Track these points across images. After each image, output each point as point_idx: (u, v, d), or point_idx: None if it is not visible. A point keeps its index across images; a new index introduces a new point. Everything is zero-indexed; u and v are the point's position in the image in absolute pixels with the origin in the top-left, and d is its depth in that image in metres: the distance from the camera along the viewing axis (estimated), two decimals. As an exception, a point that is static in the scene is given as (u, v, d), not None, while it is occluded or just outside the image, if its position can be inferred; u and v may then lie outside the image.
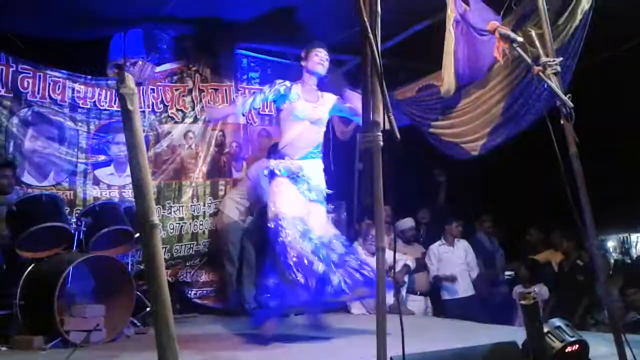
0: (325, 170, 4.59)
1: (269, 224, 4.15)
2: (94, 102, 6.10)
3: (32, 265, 4.53)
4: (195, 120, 6.68)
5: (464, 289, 6.52)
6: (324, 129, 4.58)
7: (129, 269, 4.90)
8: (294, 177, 4.31)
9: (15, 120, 5.73)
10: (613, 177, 6.36)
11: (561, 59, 3.42)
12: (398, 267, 6.07)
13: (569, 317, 3.26)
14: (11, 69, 5.70)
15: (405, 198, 6.03)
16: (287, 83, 4.53)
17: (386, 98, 2.18)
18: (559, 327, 2.79)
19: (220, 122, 6.81)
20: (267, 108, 7.12)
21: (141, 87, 6.21)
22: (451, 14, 4.87)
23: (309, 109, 4.43)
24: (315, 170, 4.42)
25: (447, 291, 6.51)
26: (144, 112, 6.27)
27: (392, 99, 5.12)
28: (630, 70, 5.59)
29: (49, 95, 5.88)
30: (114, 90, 6.10)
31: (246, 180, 6.43)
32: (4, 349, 4.15)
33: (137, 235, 4.97)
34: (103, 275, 4.73)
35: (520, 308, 2.68)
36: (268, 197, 4.37)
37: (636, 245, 9.91)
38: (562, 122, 3.19)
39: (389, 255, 3.49)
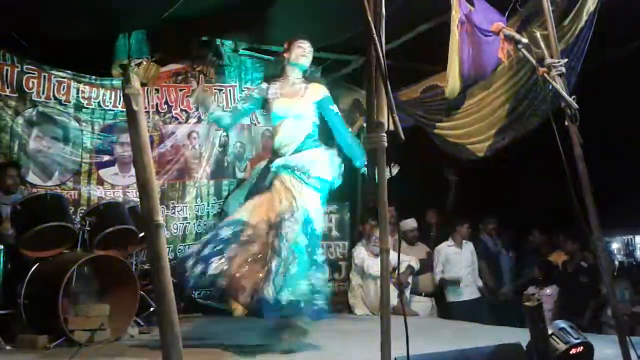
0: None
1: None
2: (99, 102, 6.13)
3: (37, 264, 4.54)
4: (199, 120, 6.69)
5: (470, 291, 6.50)
6: (311, 121, 4.26)
7: (133, 269, 4.90)
8: (291, 170, 4.13)
9: (20, 120, 5.75)
10: (618, 178, 6.34)
11: (566, 60, 3.41)
12: (402, 269, 6.06)
13: (575, 319, 3.25)
14: (16, 69, 5.73)
15: (412, 198, 6.01)
16: (264, 84, 4.41)
17: (390, 99, 2.18)
18: (563, 329, 2.78)
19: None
20: (270, 108, 7.12)
21: (145, 88, 6.23)
22: (456, 14, 4.86)
23: (287, 105, 4.25)
24: (313, 160, 4.14)
25: (452, 294, 6.49)
26: (148, 112, 6.29)
27: (396, 100, 5.12)
28: (634, 71, 5.57)
29: (54, 95, 5.91)
30: (118, 91, 6.13)
31: (250, 180, 6.43)
32: (8, 347, 4.15)
33: (141, 234, 4.98)
34: (107, 274, 4.73)
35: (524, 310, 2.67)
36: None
37: (641, 246, 9.89)
38: (566, 123, 3.18)
39: (392, 256, 3.48)
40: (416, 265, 6.37)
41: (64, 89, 5.96)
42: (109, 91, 6.16)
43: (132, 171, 5.97)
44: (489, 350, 2.77)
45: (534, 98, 4.92)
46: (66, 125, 5.99)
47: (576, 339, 2.76)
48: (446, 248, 6.58)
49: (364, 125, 6.58)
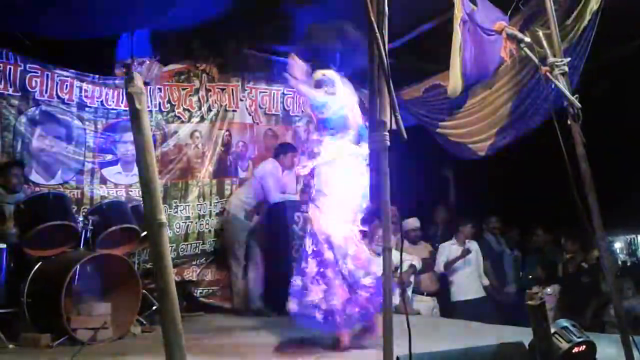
0: None
1: None
2: (102, 101, 6.13)
3: (40, 263, 4.55)
4: (202, 119, 6.70)
5: (474, 290, 6.50)
6: (325, 112, 4.17)
7: (136, 268, 4.91)
8: None
9: (23, 119, 5.76)
10: (620, 177, 6.33)
11: (569, 59, 3.40)
12: (404, 268, 6.06)
13: (576, 318, 3.24)
14: (19, 68, 5.73)
15: (415, 197, 6.01)
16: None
17: (393, 98, 2.18)
18: (565, 328, 2.78)
19: (227, 122, 6.83)
20: (273, 108, 7.13)
21: (148, 87, 6.23)
22: (458, 13, 4.86)
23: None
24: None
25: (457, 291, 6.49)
26: (151, 111, 6.29)
27: (398, 99, 5.11)
28: (636, 70, 5.56)
29: (57, 94, 5.91)
30: (121, 90, 6.13)
31: (253, 179, 6.44)
32: (11, 346, 4.16)
33: (143, 234, 4.99)
34: (110, 273, 4.74)
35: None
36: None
37: (643, 246, 9.88)
38: (569, 122, 3.18)
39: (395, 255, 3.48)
40: (418, 265, 6.37)
41: (67, 88, 5.97)
42: (111, 90, 6.17)
43: (135, 170, 6.00)
44: (492, 349, 2.78)
45: (537, 97, 4.92)
46: (69, 124, 5.99)
47: (579, 337, 2.76)
48: (450, 246, 6.60)
49: (366, 124, 6.58)
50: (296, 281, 3.92)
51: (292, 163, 6.65)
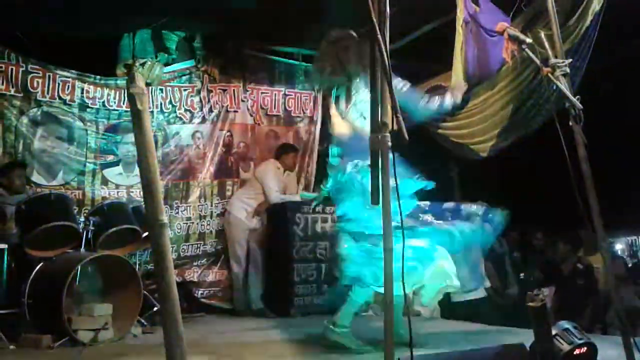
0: None
1: None
2: (103, 102, 6.14)
3: (41, 264, 4.54)
4: (203, 120, 6.70)
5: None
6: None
7: (137, 269, 4.91)
8: None
9: (24, 119, 5.77)
10: (622, 179, 6.33)
11: (570, 60, 3.40)
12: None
13: (573, 320, 3.24)
14: (21, 69, 5.74)
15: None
16: None
17: (394, 99, 2.17)
18: (567, 330, 2.78)
19: (228, 123, 6.84)
20: (274, 108, 7.13)
21: (150, 88, 6.23)
22: (460, 14, 4.86)
23: None
24: None
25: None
26: (152, 112, 6.29)
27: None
28: (638, 71, 5.56)
29: (59, 95, 5.92)
30: (122, 90, 6.13)
31: (254, 180, 6.44)
32: (12, 347, 4.16)
33: (145, 234, 4.99)
34: (111, 274, 4.74)
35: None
36: None
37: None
38: (570, 123, 3.17)
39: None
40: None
41: (68, 88, 5.97)
42: (113, 91, 6.17)
43: (136, 171, 6.01)
44: (493, 351, 2.77)
45: (538, 98, 4.91)
46: (71, 125, 6.00)
47: (580, 339, 2.75)
48: None
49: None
50: None
51: (294, 163, 6.66)
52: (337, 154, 3.93)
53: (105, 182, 6.11)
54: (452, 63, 5.08)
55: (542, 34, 3.53)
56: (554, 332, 2.73)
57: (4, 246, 4.51)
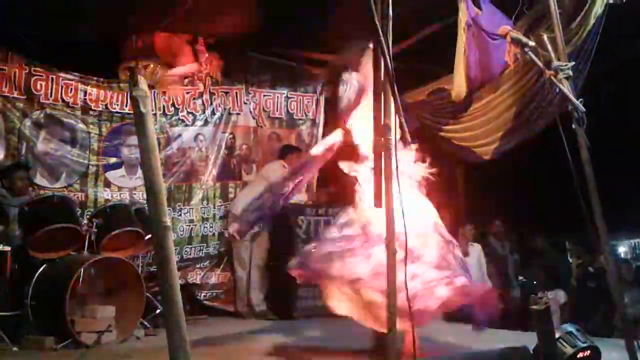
0: None
1: None
2: (106, 104, 6.14)
3: (44, 266, 4.55)
4: (206, 123, 6.71)
5: None
6: None
7: (139, 271, 4.91)
8: None
9: (28, 122, 5.78)
10: (625, 181, 6.32)
11: (573, 63, 3.41)
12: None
13: (584, 323, 3.23)
14: (24, 72, 5.75)
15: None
16: None
17: (397, 101, 2.18)
18: (570, 333, 2.77)
19: (231, 125, 6.85)
20: (276, 111, 7.14)
21: (152, 90, 6.24)
22: (463, 17, 4.86)
23: None
24: None
25: None
26: (155, 114, 6.29)
27: (402, 102, 5.10)
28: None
29: (62, 97, 5.93)
30: (125, 93, 6.14)
31: (258, 181, 6.44)
32: (15, 349, 4.16)
33: (147, 237, 4.99)
34: (114, 276, 4.75)
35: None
36: None
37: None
38: (573, 126, 3.17)
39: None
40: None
41: (71, 91, 5.98)
42: (116, 93, 6.18)
43: (139, 173, 6.02)
44: (496, 353, 2.77)
45: (541, 101, 4.91)
46: (73, 127, 6.01)
47: (583, 342, 2.75)
48: None
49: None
50: None
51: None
52: None
53: (107, 184, 6.12)
54: (455, 66, 5.09)
55: (545, 37, 3.53)
56: (557, 335, 2.72)
57: (7, 248, 4.51)
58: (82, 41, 5.79)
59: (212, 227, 6.58)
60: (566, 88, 3.18)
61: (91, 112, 6.09)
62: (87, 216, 5.31)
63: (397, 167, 2.18)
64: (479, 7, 4.84)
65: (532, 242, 7.26)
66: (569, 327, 2.81)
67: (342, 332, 4.39)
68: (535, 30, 4.61)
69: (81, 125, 6.05)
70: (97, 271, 4.73)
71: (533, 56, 3.28)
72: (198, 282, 6.40)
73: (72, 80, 6.00)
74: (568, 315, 5.94)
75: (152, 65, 6.21)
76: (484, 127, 5.50)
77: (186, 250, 6.39)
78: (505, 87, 5.21)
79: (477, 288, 3.57)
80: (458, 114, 5.78)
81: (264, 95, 7.10)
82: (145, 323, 4.93)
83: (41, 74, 5.84)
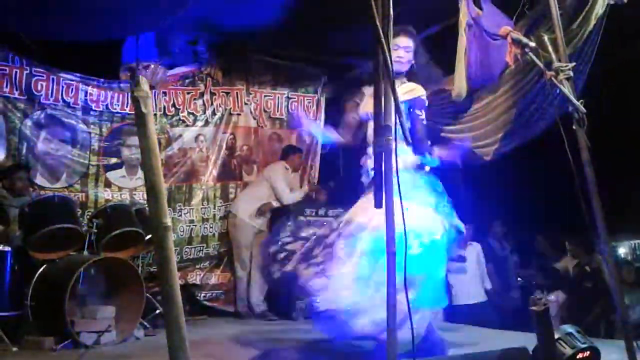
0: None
1: None
2: (107, 105, 6.15)
3: (44, 266, 4.55)
4: (207, 123, 6.71)
5: (476, 294, 6.47)
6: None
7: (139, 271, 4.91)
8: None
9: (28, 122, 5.79)
10: (625, 182, 6.31)
11: (574, 64, 3.40)
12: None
13: (579, 324, 3.23)
14: (25, 72, 5.76)
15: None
16: None
17: (397, 102, 2.18)
18: (570, 334, 2.77)
19: (231, 126, 6.85)
20: (277, 111, 7.15)
21: (153, 91, 6.24)
22: (463, 18, 4.86)
23: None
24: None
25: (457, 279, 6.40)
26: (155, 115, 6.29)
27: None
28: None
29: (62, 97, 5.94)
30: (126, 93, 6.15)
31: (260, 181, 6.44)
32: (15, 349, 4.16)
33: (147, 237, 5.00)
34: (114, 276, 4.75)
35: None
36: None
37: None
38: (574, 127, 3.17)
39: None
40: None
41: (72, 91, 5.99)
42: (116, 94, 6.19)
43: (139, 174, 6.02)
44: (495, 354, 2.77)
45: (542, 102, 4.91)
46: (74, 127, 6.01)
47: (583, 343, 2.75)
48: None
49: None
50: None
51: (299, 164, 6.68)
52: None
53: (108, 184, 6.12)
54: (455, 66, 5.08)
55: (546, 38, 3.54)
56: (556, 336, 2.72)
57: (7, 248, 4.52)
58: (82, 41, 5.79)
59: (212, 227, 6.58)
60: (567, 89, 3.18)
61: (92, 113, 6.10)
62: (88, 216, 5.32)
63: (397, 167, 2.18)
64: (480, 8, 4.84)
65: (531, 242, 7.26)
66: (569, 328, 2.81)
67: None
68: (536, 31, 4.60)
69: (82, 126, 6.06)
70: (97, 271, 4.74)
71: (534, 57, 3.28)
72: (198, 282, 6.40)
73: (72, 80, 6.01)
74: (565, 315, 5.93)
75: (152, 66, 6.20)
76: (484, 128, 5.49)
77: (186, 251, 6.39)
78: (506, 88, 5.21)
79: None
80: (458, 115, 5.78)
81: (265, 96, 7.11)
82: (145, 323, 4.93)
83: (42, 74, 5.84)
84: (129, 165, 6.24)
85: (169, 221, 1.84)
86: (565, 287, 6.35)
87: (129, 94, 6.00)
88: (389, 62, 2.14)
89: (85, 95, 6.05)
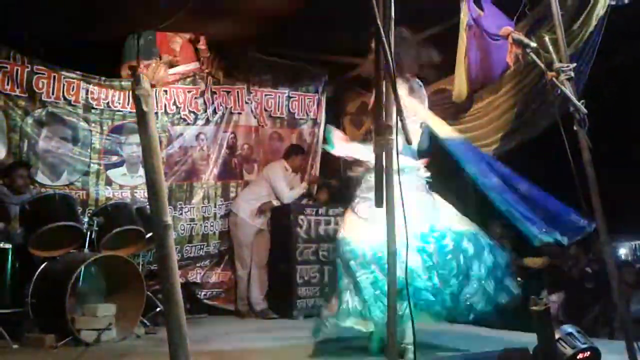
0: None
1: None
2: (108, 103, 6.15)
3: (45, 264, 4.56)
4: (207, 122, 6.71)
5: None
6: None
7: (140, 269, 4.92)
8: None
9: (29, 120, 5.79)
10: (626, 183, 6.31)
11: (575, 64, 3.40)
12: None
13: (577, 324, 3.23)
14: (26, 70, 5.76)
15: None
16: None
17: (399, 102, 2.18)
18: (570, 334, 2.77)
19: (232, 124, 6.85)
20: (278, 110, 7.15)
21: (154, 89, 6.25)
22: (464, 18, 4.87)
23: None
24: None
25: None
26: (156, 113, 6.29)
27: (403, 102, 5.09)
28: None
29: (64, 95, 5.94)
30: (127, 92, 6.15)
31: (260, 180, 6.44)
32: (15, 346, 4.17)
33: (148, 235, 5.00)
34: (114, 275, 4.75)
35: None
36: None
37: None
38: (575, 127, 3.17)
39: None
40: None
41: (73, 89, 5.99)
42: (118, 92, 6.19)
43: (140, 172, 6.02)
44: (496, 354, 2.77)
45: (542, 102, 4.91)
46: (75, 125, 6.02)
47: (583, 344, 2.75)
48: None
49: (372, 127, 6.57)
50: None
51: (300, 165, 6.67)
52: None
53: (109, 182, 6.13)
54: (456, 66, 5.08)
55: (547, 38, 3.53)
56: (557, 336, 2.72)
57: (8, 246, 4.53)
58: (84, 40, 5.79)
59: (212, 226, 6.59)
60: (568, 89, 3.18)
61: (93, 111, 6.10)
62: (88, 214, 5.32)
63: (398, 168, 2.18)
64: (481, 8, 4.84)
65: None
66: (569, 328, 2.81)
67: (342, 332, 4.41)
68: (537, 31, 4.60)
69: (83, 124, 6.06)
70: (98, 269, 4.74)
71: (535, 57, 3.28)
72: (198, 281, 6.41)
73: (74, 78, 6.01)
74: (563, 315, 5.93)
75: (154, 64, 6.21)
76: (484, 128, 5.49)
77: (187, 249, 6.39)
78: (507, 88, 5.21)
79: None
80: (459, 115, 5.77)
81: (266, 95, 7.10)
82: (146, 321, 4.94)
83: (43, 72, 5.85)
84: (129, 163, 6.24)
85: (169, 219, 1.84)
86: (566, 288, 6.34)
87: (130, 92, 6.00)
88: (391, 61, 2.14)
89: (87, 93, 6.05)
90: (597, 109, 3.36)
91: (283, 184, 6.24)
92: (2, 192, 5.09)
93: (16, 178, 5.16)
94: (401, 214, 2.12)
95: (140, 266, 5.20)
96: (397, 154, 2.18)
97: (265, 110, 7.09)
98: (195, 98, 6.65)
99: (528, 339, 2.95)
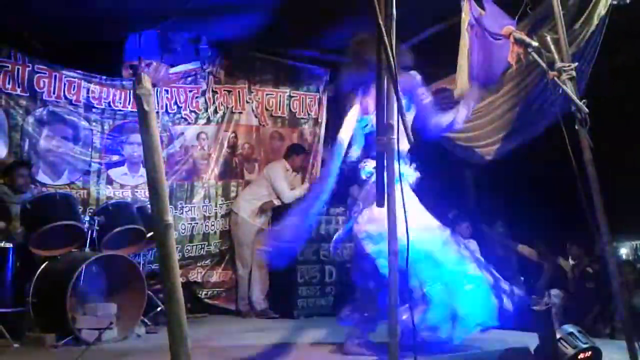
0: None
1: None
2: (109, 102, 6.16)
3: (45, 263, 4.56)
4: (208, 121, 6.72)
5: None
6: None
7: (141, 268, 4.92)
8: None
9: (30, 119, 5.80)
10: (627, 183, 6.31)
11: (577, 64, 3.40)
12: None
13: (578, 323, 3.23)
14: (27, 69, 5.76)
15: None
16: None
17: (400, 101, 2.18)
18: (571, 334, 2.77)
19: (233, 124, 6.85)
20: (279, 110, 7.14)
21: (155, 89, 6.25)
22: (466, 17, 4.85)
23: None
24: None
25: None
26: (157, 113, 6.29)
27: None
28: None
29: (64, 95, 5.95)
30: (128, 91, 6.16)
31: (261, 180, 6.44)
32: (16, 346, 4.17)
33: (149, 234, 5.00)
34: (115, 274, 4.75)
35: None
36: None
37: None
38: (576, 127, 3.17)
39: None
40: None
41: (74, 88, 6.00)
42: (119, 91, 6.19)
43: (141, 171, 6.03)
44: (497, 354, 2.77)
45: (544, 102, 4.90)
46: (76, 125, 6.02)
47: (584, 343, 2.75)
48: None
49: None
50: None
51: (301, 165, 6.67)
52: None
53: (110, 182, 6.14)
54: (457, 66, 5.07)
55: (548, 38, 3.53)
56: (558, 335, 2.73)
57: (9, 245, 4.53)
58: (85, 39, 5.79)
59: (213, 225, 6.59)
60: (569, 89, 3.18)
61: (94, 110, 6.11)
62: (89, 214, 5.32)
63: (399, 168, 2.18)
64: (482, 7, 4.83)
65: (535, 243, 7.24)
66: (570, 328, 2.81)
67: (343, 331, 4.40)
68: (538, 31, 4.59)
69: (84, 123, 6.06)
70: (99, 269, 4.74)
71: (536, 57, 3.28)
72: (199, 280, 6.41)
73: (75, 77, 6.01)
74: (562, 315, 5.93)
75: (154, 63, 6.21)
76: (486, 128, 5.49)
77: (188, 249, 6.40)
78: (508, 88, 5.20)
79: None
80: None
81: (267, 94, 7.10)
82: (146, 321, 4.94)
83: (44, 71, 5.85)
84: (130, 162, 6.25)
85: (170, 219, 1.84)
86: (567, 287, 6.34)
87: (131, 92, 6.01)
88: (392, 60, 2.14)
89: (88, 93, 6.06)
90: (599, 109, 3.36)
91: (284, 183, 6.24)
92: (3, 191, 5.10)
93: (17, 177, 5.16)
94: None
95: (141, 265, 5.20)
96: (398, 154, 2.18)
97: (266, 109, 7.09)
98: (196, 97, 6.65)
99: (529, 339, 2.96)
